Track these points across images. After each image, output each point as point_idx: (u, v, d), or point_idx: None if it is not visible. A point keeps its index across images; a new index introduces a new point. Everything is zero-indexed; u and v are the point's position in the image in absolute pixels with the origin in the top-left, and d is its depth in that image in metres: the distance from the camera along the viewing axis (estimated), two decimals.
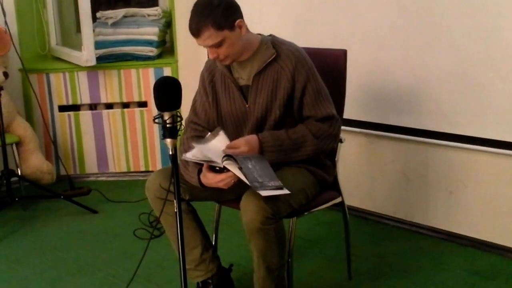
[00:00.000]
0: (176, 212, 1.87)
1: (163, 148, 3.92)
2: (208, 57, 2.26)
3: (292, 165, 2.21)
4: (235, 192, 2.23)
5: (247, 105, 2.20)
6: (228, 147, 2.07)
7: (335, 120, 2.19)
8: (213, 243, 2.50)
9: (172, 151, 1.80)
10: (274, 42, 2.18)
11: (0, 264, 2.86)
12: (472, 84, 2.64)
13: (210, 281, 2.33)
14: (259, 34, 2.22)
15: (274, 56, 2.14)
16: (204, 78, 2.28)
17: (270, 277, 2.15)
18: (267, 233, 2.03)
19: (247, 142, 2.09)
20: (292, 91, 2.15)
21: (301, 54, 2.18)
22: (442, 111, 2.76)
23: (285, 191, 1.97)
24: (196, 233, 2.31)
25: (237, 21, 2.08)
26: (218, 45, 2.06)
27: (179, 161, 2.09)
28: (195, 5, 2.07)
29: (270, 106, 2.17)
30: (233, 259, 2.60)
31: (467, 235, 2.84)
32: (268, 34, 2.25)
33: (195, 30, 2.04)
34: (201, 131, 2.27)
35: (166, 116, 1.76)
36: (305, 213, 2.23)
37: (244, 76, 2.20)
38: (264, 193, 1.94)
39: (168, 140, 1.78)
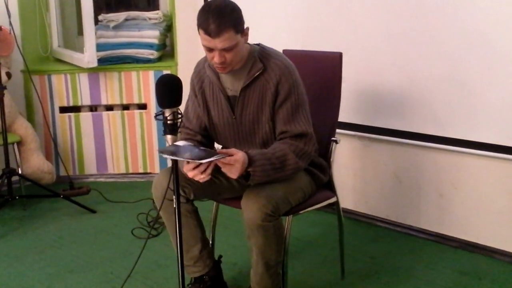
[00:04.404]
0: (175, 208, 1.93)
1: None
2: (198, 62, 2.29)
3: None
4: (234, 192, 2.30)
5: (233, 117, 2.22)
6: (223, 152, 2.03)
7: (308, 138, 2.17)
8: (210, 241, 2.54)
9: None
10: (261, 55, 2.16)
11: (1, 261, 2.90)
12: (463, 88, 2.69)
13: (205, 277, 2.39)
14: (247, 44, 2.18)
15: (261, 70, 2.14)
16: (194, 84, 2.29)
17: (267, 273, 2.21)
18: (267, 230, 2.08)
19: (239, 159, 2.01)
20: (274, 104, 2.16)
21: (288, 68, 2.15)
22: (434, 114, 2.82)
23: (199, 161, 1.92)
24: (196, 232, 2.35)
25: (246, 27, 2.09)
26: (231, 48, 2.03)
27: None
28: (209, 7, 2.02)
29: (257, 120, 2.19)
30: (229, 259, 2.66)
31: (457, 236, 2.89)
32: (257, 42, 2.23)
33: (216, 30, 1.98)
34: (193, 135, 2.31)
35: (167, 113, 1.82)
36: (301, 212, 2.27)
37: (231, 87, 2.21)
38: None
39: (169, 136, 1.84)
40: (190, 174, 2.02)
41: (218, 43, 2.01)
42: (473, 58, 2.64)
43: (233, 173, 2.01)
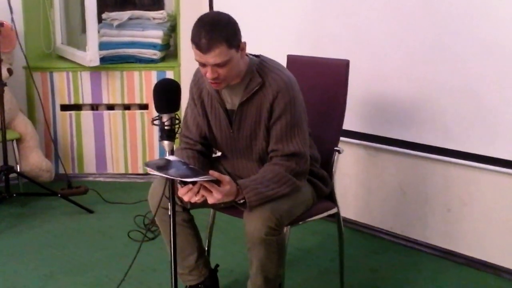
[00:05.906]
0: (170, 215, 1.88)
1: (162, 151, 3.92)
2: (196, 70, 2.22)
3: None
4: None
5: (231, 131, 2.17)
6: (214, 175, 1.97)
7: (300, 158, 2.10)
8: (206, 248, 2.51)
9: (169, 153, 1.81)
10: (260, 69, 2.09)
11: None
12: (476, 100, 2.62)
13: (200, 286, 2.34)
14: (247, 55, 2.11)
15: (259, 85, 2.07)
16: (193, 92, 2.23)
17: (266, 287, 2.14)
18: (269, 244, 2.02)
19: (222, 191, 1.96)
20: (270, 121, 2.10)
21: (286, 84, 2.07)
22: (443, 126, 2.75)
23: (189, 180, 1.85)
24: (193, 241, 2.31)
25: (242, 42, 2.02)
26: (223, 64, 1.96)
27: None
28: (202, 21, 1.96)
29: (255, 136, 2.14)
30: (226, 265, 2.60)
31: (463, 253, 2.82)
32: (257, 54, 2.15)
33: (206, 45, 1.92)
34: (193, 144, 2.26)
35: (165, 118, 1.77)
36: (300, 223, 2.22)
37: (230, 100, 2.15)
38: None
39: (166, 142, 1.80)
40: (186, 198, 1.97)
41: (210, 58, 1.95)
42: (488, 69, 2.57)
43: (210, 198, 1.95)
